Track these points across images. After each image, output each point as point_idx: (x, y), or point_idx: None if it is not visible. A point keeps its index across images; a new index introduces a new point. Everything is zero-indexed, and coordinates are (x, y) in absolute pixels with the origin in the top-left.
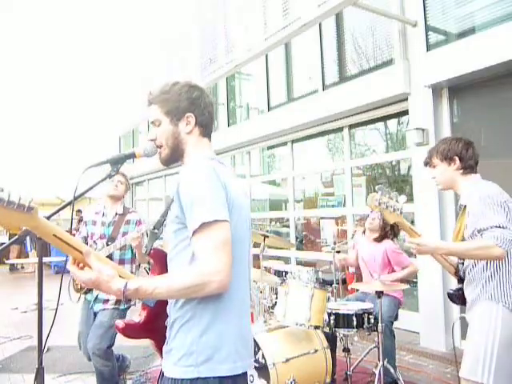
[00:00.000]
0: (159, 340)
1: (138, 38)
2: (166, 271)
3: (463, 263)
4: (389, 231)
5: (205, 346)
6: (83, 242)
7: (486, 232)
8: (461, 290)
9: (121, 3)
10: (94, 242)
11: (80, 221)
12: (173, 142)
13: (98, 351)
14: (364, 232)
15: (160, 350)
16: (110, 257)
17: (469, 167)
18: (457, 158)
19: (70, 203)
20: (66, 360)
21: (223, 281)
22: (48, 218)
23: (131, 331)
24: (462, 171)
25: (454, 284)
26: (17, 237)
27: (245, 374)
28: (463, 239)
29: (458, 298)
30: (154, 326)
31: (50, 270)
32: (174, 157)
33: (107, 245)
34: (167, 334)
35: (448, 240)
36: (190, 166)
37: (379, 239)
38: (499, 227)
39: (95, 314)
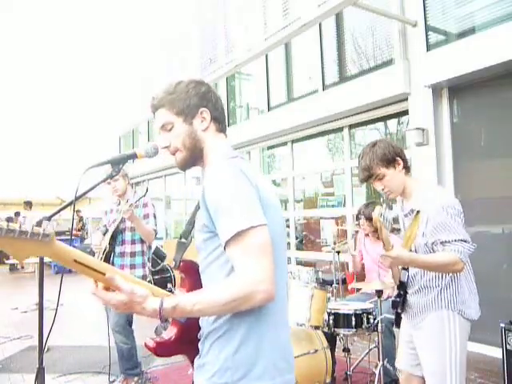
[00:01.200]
0: (192, 353)
1: (138, 38)
2: (198, 283)
3: (407, 269)
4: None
5: (241, 361)
6: (105, 230)
7: (450, 245)
8: (401, 296)
9: (121, 3)
10: (109, 226)
11: (80, 221)
12: (190, 143)
13: (118, 327)
14: (367, 235)
15: (192, 362)
16: (122, 238)
17: (407, 165)
18: (399, 159)
19: (70, 203)
20: (66, 360)
21: (269, 290)
22: (49, 218)
23: (162, 349)
24: (404, 171)
25: None
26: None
27: None
28: (412, 248)
29: (402, 305)
30: (186, 341)
31: (50, 269)
32: (193, 159)
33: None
34: (200, 347)
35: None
36: (213, 169)
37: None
38: (463, 241)
39: None
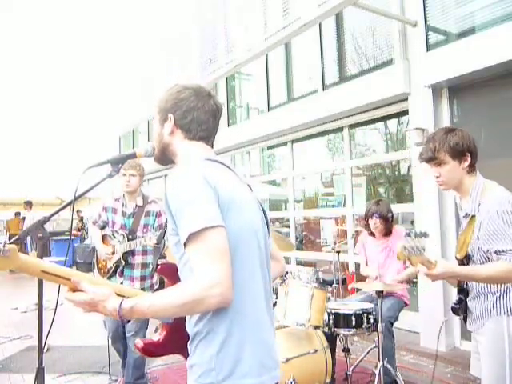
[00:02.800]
0: (185, 352)
1: (138, 38)
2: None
3: None
4: (390, 219)
5: (224, 360)
6: (103, 226)
7: (505, 254)
8: (461, 301)
9: (121, 4)
10: (116, 231)
11: (80, 221)
12: (159, 142)
13: (136, 332)
14: (371, 234)
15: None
16: (132, 251)
17: (474, 165)
18: (469, 155)
19: (70, 203)
20: (66, 360)
21: (224, 293)
22: (48, 218)
23: (152, 350)
24: (468, 169)
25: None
26: (17, 237)
27: None
28: (467, 253)
29: (463, 310)
30: (176, 340)
31: None
32: (163, 157)
33: (128, 239)
34: (188, 348)
35: (448, 246)
36: (174, 174)
37: (387, 232)
38: None
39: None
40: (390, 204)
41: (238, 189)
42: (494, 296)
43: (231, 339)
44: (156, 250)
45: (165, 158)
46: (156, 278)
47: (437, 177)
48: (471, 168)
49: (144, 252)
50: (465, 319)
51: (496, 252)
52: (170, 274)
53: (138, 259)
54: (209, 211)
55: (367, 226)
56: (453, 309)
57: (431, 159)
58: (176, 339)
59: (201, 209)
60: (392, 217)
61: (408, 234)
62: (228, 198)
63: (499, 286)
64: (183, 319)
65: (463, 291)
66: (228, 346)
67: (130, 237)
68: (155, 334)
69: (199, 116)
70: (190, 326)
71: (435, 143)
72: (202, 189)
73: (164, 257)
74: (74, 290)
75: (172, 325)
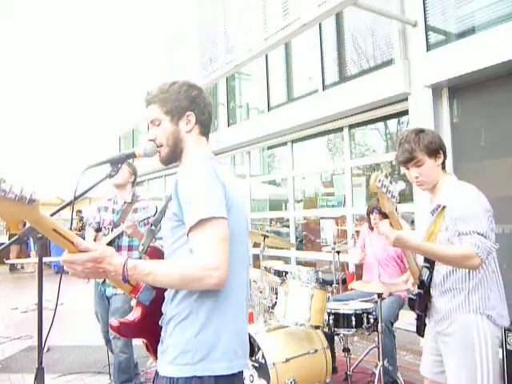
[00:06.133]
0: (153, 340)
1: (138, 39)
2: None
3: (429, 267)
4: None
5: (201, 344)
6: (97, 227)
7: (466, 237)
8: (420, 295)
9: (121, 4)
10: (105, 227)
11: (80, 221)
12: (173, 141)
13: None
14: (372, 229)
15: (153, 351)
16: (118, 244)
17: (445, 163)
18: (441, 153)
19: (70, 203)
20: (66, 360)
21: (221, 277)
22: None
23: (126, 330)
24: (441, 166)
25: None
26: (17, 237)
27: (241, 373)
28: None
29: (419, 305)
30: (149, 326)
31: (50, 269)
32: (174, 156)
33: (112, 231)
34: (162, 334)
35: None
36: (188, 165)
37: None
38: (481, 235)
39: (108, 298)
40: None
41: (238, 191)
42: (463, 293)
43: (210, 325)
44: (150, 233)
45: (175, 156)
46: None
47: (416, 177)
48: (443, 165)
49: (130, 247)
50: (423, 317)
51: (459, 234)
52: (156, 258)
53: (123, 255)
54: (219, 203)
55: (369, 222)
56: (409, 301)
57: (410, 160)
58: (149, 322)
59: (212, 198)
60: (397, 199)
61: (386, 176)
62: (231, 198)
63: (468, 281)
64: (159, 303)
65: (422, 285)
66: (206, 330)
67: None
68: (130, 314)
69: (211, 111)
70: (170, 308)
71: (410, 144)
72: (214, 181)
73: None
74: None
75: (148, 307)
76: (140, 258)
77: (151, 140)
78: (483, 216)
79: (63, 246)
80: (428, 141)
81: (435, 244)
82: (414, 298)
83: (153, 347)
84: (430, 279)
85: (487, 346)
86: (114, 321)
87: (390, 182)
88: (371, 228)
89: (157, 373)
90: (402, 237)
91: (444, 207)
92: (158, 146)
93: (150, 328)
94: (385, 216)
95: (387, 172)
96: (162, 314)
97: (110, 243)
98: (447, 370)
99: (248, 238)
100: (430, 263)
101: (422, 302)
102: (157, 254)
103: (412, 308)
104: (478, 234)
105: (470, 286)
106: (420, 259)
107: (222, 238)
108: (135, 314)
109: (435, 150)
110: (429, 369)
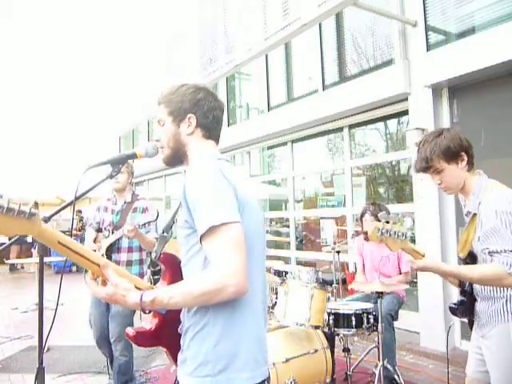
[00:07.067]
0: (173, 347)
1: (138, 39)
2: (179, 276)
3: None
4: None
5: (221, 354)
6: (97, 227)
7: (498, 256)
8: (463, 303)
9: (121, 4)
10: (105, 228)
11: (80, 221)
12: (174, 143)
13: (119, 337)
14: (366, 238)
15: (174, 357)
16: (118, 246)
17: (472, 162)
18: (464, 154)
19: (70, 203)
20: (66, 360)
21: (240, 284)
22: (49, 218)
23: (142, 339)
24: (467, 167)
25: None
26: (17, 237)
27: (263, 381)
28: (470, 252)
29: (462, 312)
30: (166, 333)
31: (51, 269)
32: (176, 158)
33: (112, 233)
34: (181, 342)
35: (449, 245)
36: (195, 168)
37: None
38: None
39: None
40: (390, 204)
41: (249, 191)
42: (501, 301)
43: (229, 333)
44: (162, 239)
45: (177, 158)
46: (146, 277)
47: (439, 184)
48: (470, 166)
49: (130, 249)
50: (470, 323)
51: (490, 252)
52: (171, 265)
53: (123, 256)
54: (230, 208)
55: (362, 227)
56: (451, 309)
57: (427, 169)
58: (167, 330)
59: (222, 202)
60: (406, 236)
61: (382, 217)
62: (244, 199)
63: (504, 291)
64: (177, 311)
65: (465, 293)
66: (225, 340)
67: (115, 231)
68: (146, 322)
69: (218, 115)
70: (187, 318)
71: (426, 152)
72: (223, 185)
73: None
74: (96, 275)
75: (165, 316)
76: (155, 264)
77: (157, 140)
78: None
79: (80, 263)
80: (445, 146)
81: (464, 268)
82: (455, 305)
83: (173, 354)
84: (471, 286)
85: None
86: (129, 330)
87: (394, 223)
88: (366, 239)
89: (176, 381)
90: (426, 266)
91: (475, 214)
92: (161, 147)
93: (168, 336)
94: (376, 217)
95: (387, 216)
96: (180, 321)
97: (110, 245)
98: (490, 374)
99: (265, 239)
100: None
101: (465, 308)
102: (170, 260)
103: (454, 314)
104: (510, 251)
105: (507, 296)
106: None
107: (237, 243)
108: (152, 323)
109: (454, 153)
110: (472, 368)
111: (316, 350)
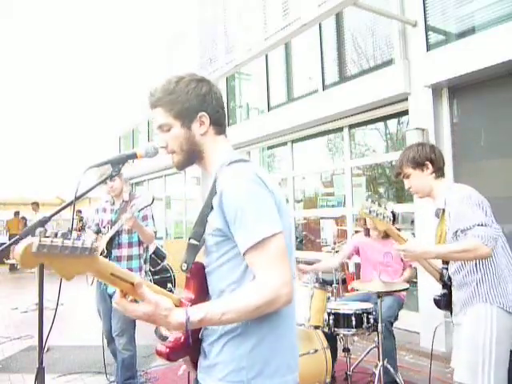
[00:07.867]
0: (194, 353)
1: (138, 39)
2: (205, 285)
3: (447, 268)
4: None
5: (256, 359)
6: (97, 229)
7: (469, 231)
8: (445, 295)
9: (121, 4)
10: (104, 227)
11: (80, 221)
12: (187, 147)
13: (122, 332)
14: (367, 234)
15: (194, 364)
16: (118, 241)
17: (439, 170)
18: (428, 163)
19: (70, 203)
20: (66, 360)
21: (289, 293)
22: (49, 218)
23: (175, 354)
24: (434, 175)
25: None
26: (17, 237)
27: None
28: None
29: (444, 303)
30: (192, 341)
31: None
32: (190, 161)
33: (111, 229)
34: (206, 348)
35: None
36: (230, 173)
37: (386, 234)
38: (481, 225)
39: (110, 296)
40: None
41: (281, 191)
42: (472, 285)
43: (265, 341)
44: (192, 248)
45: (190, 161)
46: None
47: (409, 188)
48: (437, 173)
49: (130, 244)
50: (451, 313)
51: (462, 231)
52: (200, 275)
53: (124, 251)
54: (274, 216)
55: (365, 224)
56: (435, 300)
57: (399, 174)
58: (192, 338)
59: (267, 212)
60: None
61: (370, 197)
62: (279, 203)
63: (475, 274)
64: None
65: (446, 286)
66: (261, 345)
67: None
68: (171, 336)
69: (222, 104)
70: (222, 325)
71: (399, 160)
72: (263, 191)
73: (164, 256)
74: (126, 293)
75: None
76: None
77: (163, 147)
78: (476, 208)
79: (120, 288)
80: (411, 156)
81: (444, 245)
82: (439, 298)
83: (194, 361)
84: (450, 279)
85: (492, 333)
86: (161, 347)
87: (379, 205)
88: (367, 233)
89: (196, 380)
90: (408, 248)
91: (444, 210)
92: (170, 153)
93: (192, 344)
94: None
95: (374, 197)
96: (201, 328)
97: (110, 241)
98: (457, 356)
99: (294, 242)
100: (447, 263)
101: (447, 301)
102: (201, 271)
103: (438, 306)
104: (478, 225)
105: (477, 279)
106: (438, 263)
107: (283, 252)
108: (178, 334)
109: (419, 162)
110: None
111: (316, 350)
